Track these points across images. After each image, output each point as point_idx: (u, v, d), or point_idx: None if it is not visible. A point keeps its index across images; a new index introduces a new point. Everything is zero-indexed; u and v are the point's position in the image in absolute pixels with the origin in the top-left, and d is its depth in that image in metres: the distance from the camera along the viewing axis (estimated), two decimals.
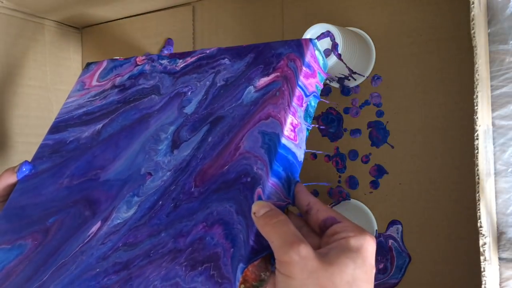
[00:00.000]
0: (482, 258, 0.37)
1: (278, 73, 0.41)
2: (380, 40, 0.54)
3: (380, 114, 0.55)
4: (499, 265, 0.39)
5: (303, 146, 0.39)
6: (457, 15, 0.50)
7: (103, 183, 0.45)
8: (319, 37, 0.48)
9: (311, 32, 0.49)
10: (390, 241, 0.53)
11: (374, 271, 0.32)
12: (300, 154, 0.39)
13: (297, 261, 0.30)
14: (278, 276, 0.31)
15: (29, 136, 0.69)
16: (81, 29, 0.78)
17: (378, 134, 0.55)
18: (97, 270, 0.40)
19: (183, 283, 0.36)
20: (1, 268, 0.44)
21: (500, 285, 0.39)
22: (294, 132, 0.39)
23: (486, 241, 0.38)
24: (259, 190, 0.36)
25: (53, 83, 0.73)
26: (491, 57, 0.39)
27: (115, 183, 0.44)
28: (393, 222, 0.53)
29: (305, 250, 0.31)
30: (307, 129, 0.40)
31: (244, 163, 0.39)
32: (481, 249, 0.38)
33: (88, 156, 0.47)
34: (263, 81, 0.42)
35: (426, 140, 0.52)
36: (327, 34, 0.48)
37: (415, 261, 0.52)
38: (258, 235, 0.34)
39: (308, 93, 0.40)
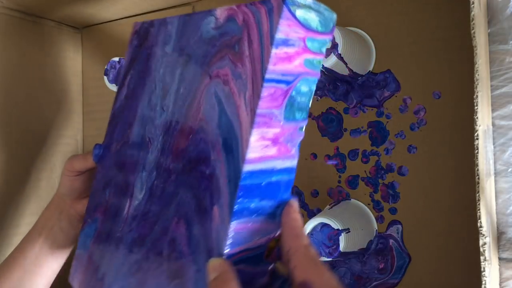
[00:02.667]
0: (482, 258, 0.37)
1: (239, 12, 0.34)
2: (380, 40, 0.54)
3: (380, 114, 0.55)
4: (499, 265, 0.39)
5: (297, 152, 0.32)
6: (457, 15, 0.50)
7: (132, 146, 0.43)
8: None
9: None
10: (390, 241, 0.53)
11: None
12: (292, 163, 0.32)
13: None
14: None
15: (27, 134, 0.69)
16: (81, 29, 0.78)
17: (378, 134, 0.55)
18: (126, 267, 0.39)
19: None
20: (89, 245, 0.44)
21: (500, 285, 0.39)
22: (276, 144, 0.30)
23: (486, 241, 0.38)
24: (216, 210, 0.31)
25: (53, 83, 0.73)
26: (491, 57, 0.39)
27: (136, 146, 0.42)
28: (393, 222, 0.53)
29: None
30: (300, 128, 0.31)
31: (202, 138, 0.35)
32: (481, 249, 0.38)
33: (124, 116, 0.45)
34: (221, 14, 0.35)
35: (426, 140, 0.52)
36: None
37: (415, 261, 0.52)
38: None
39: (290, 80, 0.30)
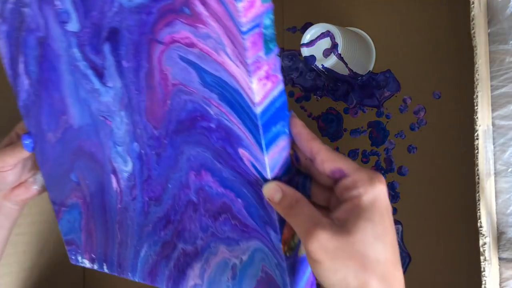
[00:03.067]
0: (482, 258, 0.37)
1: None
2: (380, 40, 0.54)
3: (380, 114, 0.55)
4: (499, 265, 0.39)
5: (281, 75, 0.34)
6: (457, 15, 0.50)
7: (79, 130, 0.44)
8: (319, 37, 0.48)
9: (311, 32, 0.49)
10: None
11: (391, 213, 0.33)
12: (281, 84, 0.34)
13: (319, 247, 0.31)
14: (309, 261, 0.32)
15: None
16: None
17: (378, 134, 0.55)
18: (150, 225, 0.43)
19: (218, 233, 0.39)
20: (79, 227, 0.48)
21: (500, 285, 0.39)
22: (269, 77, 0.33)
23: (486, 241, 0.38)
24: (243, 151, 0.34)
25: None
26: (491, 57, 0.39)
27: (88, 129, 0.43)
28: None
29: (322, 234, 0.31)
30: (276, 55, 0.34)
31: (187, 99, 0.36)
32: (481, 249, 0.38)
33: (45, 104, 0.45)
34: None
35: (426, 140, 0.52)
36: (327, 34, 0.48)
37: (415, 261, 0.52)
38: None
39: (259, 22, 0.32)
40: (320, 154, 0.34)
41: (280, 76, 0.34)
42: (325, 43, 0.48)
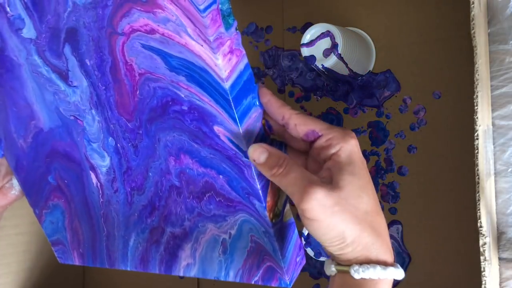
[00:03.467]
0: (482, 258, 0.37)
1: None
2: (380, 40, 0.54)
3: (380, 114, 0.55)
4: (499, 265, 0.39)
5: (242, 47, 0.34)
6: (457, 15, 0.50)
7: (50, 132, 0.44)
8: (319, 37, 0.48)
9: (311, 32, 0.49)
10: (391, 241, 0.53)
11: (366, 165, 0.35)
12: (246, 58, 0.35)
13: (317, 205, 0.32)
14: (304, 220, 0.33)
15: None
16: None
17: (378, 134, 0.55)
18: (136, 214, 0.43)
19: (204, 212, 0.40)
20: (64, 227, 0.48)
21: (500, 285, 0.39)
22: (233, 51, 0.34)
23: (486, 241, 0.38)
24: (218, 128, 0.35)
25: None
26: (491, 57, 0.39)
27: (59, 130, 0.43)
28: (393, 222, 0.53)
29: (320, 192, 0.32)
30: (235, 28, 0.34)
31: (155, 86, 0.36)
32: (481, 249, 0.38)
33: (11, 113, 0.45)
34: None
35: (426, 140, 0.52)
36: (327, 34, 0.48)
37: (415, 261, 0.52)
38: (260, 174, 0.36)
39: (213, 1, 0.32)
40: (292, 119, 0.35)
41: (243, 50, 0.35)
42: (325, 43, 0.48)
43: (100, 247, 0.47)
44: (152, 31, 0.34)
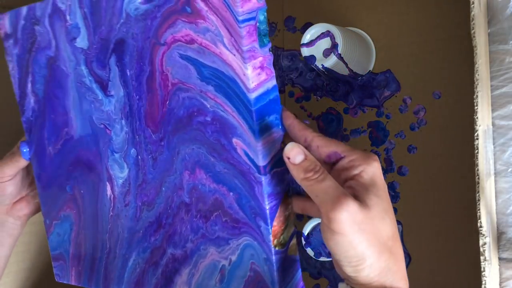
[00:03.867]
0: (482, 258, 0.37)
1: None
2: (380, 40, 0.54)
3: (380, 114, 0.55)
4: (499, 265, 0.39)
5: (273, 70, 0.36)
6: (457, 15, 0.50)
7: (80, 140, 0.46)
8: (319, 37, 0.48)
9: (311, 32, 0.49)
10: None
11: (386, 187, 0.34)
12: (274, 80, 0.36)
13: (348, 218, 0.31)
14: (326, 231, 0.32)
15: None
16: None
17: (378, 134, 0.55)
18: (141, 231, 0.43)
19: (208, 234, 0.39)
20: (69, 240, 0.49)
21: (500, 285, 0.39)
22: (264, 68, 0.35)
23: (486, 241, 0.38)
24: (236, 141, 0.36)
25: None
26: (491, 57, 0.39)
27: (88, 139, 0.45)
28: None
29: (353, 206, 0.31)
30: (269, 50, 0.36)
31: (185, 96, 0.38)
32: (481, 249, 0.38)
33: (48, 119, 0.48)
34: None
35: (426, 140, 0.52)
36: (327, 34, 0.48)
37: (415, 261, 0.52)
38: (271, 194, 0.36)
39: (254, 16, 0.34)
40: (314, 141, 0.35)
41: (273, 71, 0.36)
42: (325, 43, 0.48)
43: (99, 266, 0.47)
44: (192, 41, 0.36)
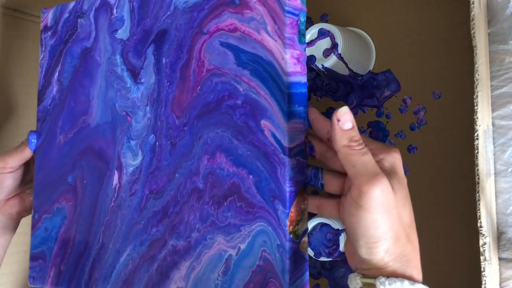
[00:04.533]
0: (482, 258, 0.38)
1: None
2: (380, 40, 0.54)
3: (380, 114, 0.55)
4: (499, 265, 0.39)
5: (305, 66, 0.38)
6: (457, 15, 0.50)
7: (95, 129, 0.46)
8: (319, 37, 0.48)
9: (311, 32, 0.49)
10: None
11: (405, 179, 0.35)
12: (305, 78, 0.38)
13: (379, 195, 0.31)
14: (351, 205, 0.32)
15: None
16: None
17: (378, 134, 0.55)
18: (142, 222, 0.43)
19: (218, 222, 0.39)
20: (56, 236, 0.48)
21: (500, 285, 0.39)
22: (299, 62, 0.38)
23: (486, 241, 0.38)
24: (265, 122, 0.37)
25: None
26: (491, 57, 0.39)
27: (105, 126, 0.46)
28: None
29: (387, 186, 0.31)
30: (305, 49, 0.38)
31: (218, 81, 0.39)
32: (481, 249, 0.38)
33: (67, 107, 0.49)
34: None
35: (426, 140, 0.52)
36: (327, 34, 0.48)
37: None
38: (292, 178, 0.37)
39: (297, 13, 0.38)
40: (336, 129, 0.36)
41: (306, 70, 0.38)
42: (325, 43, 0.48)
43: (84, 263, 0.45)
44: (235, 30, 0.39)
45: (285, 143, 0.36)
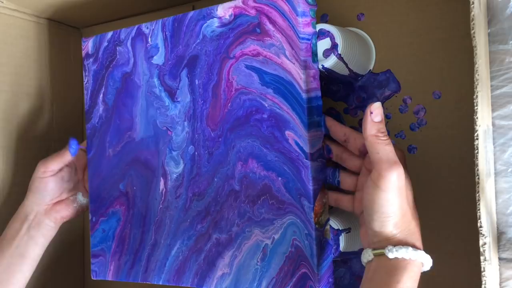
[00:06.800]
0: (482, 258, 0.38)
1: (248, 8, 0.45)
2: (380, 40, 0.54)
3: None
4: (499, 265, 0.39)
5: (319, 82, 0.45)
6: (457, 15, 0.50)
7: (140, 142, 0.53)
8: (318, 37, 0.48)
9: None
10: None
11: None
12: (320, 93, 0.45)
13: (395, 179, 0.38)
14: (371, 186, 0.39)
15: (28, 136, 0.69)
16: (81, 29, 0.78)
17: None
18: (188, 220, 0.49)
19: (254, 217, 0.46)
20: (113, 235, 0.54)
21: (500, 285, 0.39)
22: (315, 79, 0.44)
23: (486, 241, 0.38)
24: (289, 133, 0.44)
25: (53, 83, 0.73)
26: (491, 57, 0.39)
27: (148, 140, 0.52)
28: None
29: (402, 172, 0.39)
30: (317, 68, 0.45)
31: (245, 98, 0.46)
32: (481, 249, 0.38)
33: (113, 124, 0.55)
34: (225, 14, 0.47)
35: (426, 140, 0.52)
36: (327, 34, 0.48)
37: None
38: (314, 178, 0.43)
39: (310, 37, 0.44)
40: (352, 134, 0.44)
41: (319, 85, 0.45)
42: (325, 43, 0.48)
43: (141, 257, 0.52)
44: (258, 54, 0.45)
45: (307, 149, 0.43)
